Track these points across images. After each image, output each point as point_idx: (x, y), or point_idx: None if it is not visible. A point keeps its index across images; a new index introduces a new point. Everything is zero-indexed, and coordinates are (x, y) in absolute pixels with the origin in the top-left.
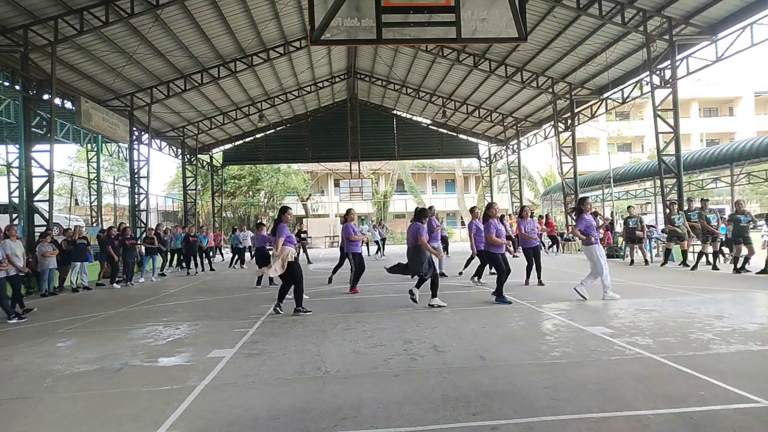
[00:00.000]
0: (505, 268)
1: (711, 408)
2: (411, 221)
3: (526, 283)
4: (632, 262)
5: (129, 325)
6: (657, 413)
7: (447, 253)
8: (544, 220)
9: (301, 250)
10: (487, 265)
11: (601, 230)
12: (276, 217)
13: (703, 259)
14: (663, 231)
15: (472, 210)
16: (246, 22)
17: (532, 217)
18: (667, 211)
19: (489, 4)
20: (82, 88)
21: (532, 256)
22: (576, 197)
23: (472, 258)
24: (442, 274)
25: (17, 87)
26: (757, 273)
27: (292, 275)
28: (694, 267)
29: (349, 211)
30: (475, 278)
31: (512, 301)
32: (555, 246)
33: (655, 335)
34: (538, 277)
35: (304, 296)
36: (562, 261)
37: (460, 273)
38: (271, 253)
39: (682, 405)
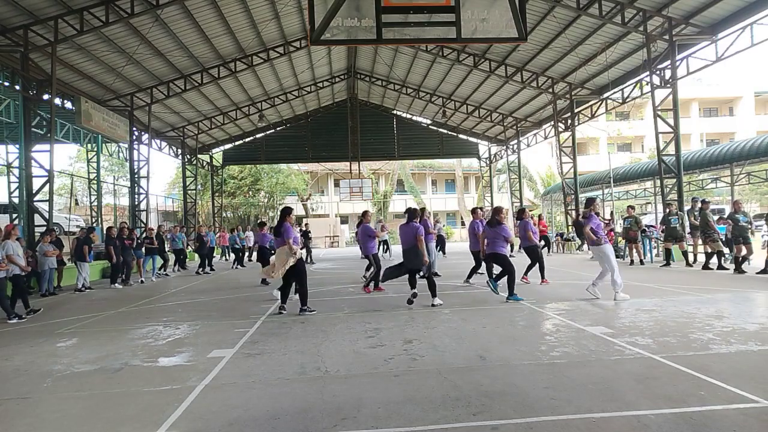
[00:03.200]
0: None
1: (711, 408)
2: (406, 222)
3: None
4: (632, 262)
5: (129, 325)
6: (657, 413)
7: (444, 253)
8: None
9: (305, 250)
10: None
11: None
12: (279, 218)
13: (702, 259)
14: (662, 231)
15: (473, 211)
16: (246, 22)
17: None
18: (667, 210)
19: (489, 4)
20: (82, 88)
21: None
22: (576, 197)
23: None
24: (436, 274)
25: (17, 87)
26: (757, 273)
27: (298, 276)
28: (705, 266)
29: (366, 212)
30: (469, 280)
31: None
32: (547, 247)
33: (655, 335)
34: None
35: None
36: (562, 261)
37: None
38: (273, 253)
39: (682, 405)
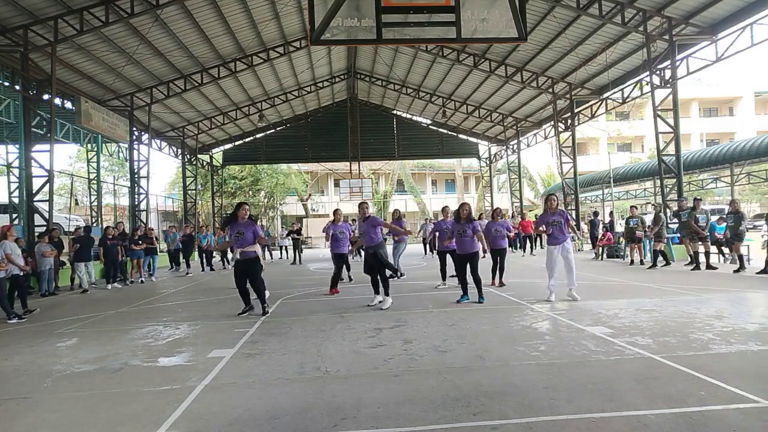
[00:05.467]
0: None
1: (711, 408)
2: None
3: (492, 283)
4: (632, 262)
5: (129, 325)
6: (657, 413)
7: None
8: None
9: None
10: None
11: (601, 230)
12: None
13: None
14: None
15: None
16: (246, 22)
17: (503, 218)
18: (676, 208)
19: (489, 4)
20: (82, 88)
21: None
22: (576, 197)
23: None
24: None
25: (17, 87)
26: (756, 273)
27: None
28: (696, 267)
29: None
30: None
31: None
32: (521, 247)
33: (655, 335)
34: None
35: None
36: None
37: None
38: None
39: (682, 405)
